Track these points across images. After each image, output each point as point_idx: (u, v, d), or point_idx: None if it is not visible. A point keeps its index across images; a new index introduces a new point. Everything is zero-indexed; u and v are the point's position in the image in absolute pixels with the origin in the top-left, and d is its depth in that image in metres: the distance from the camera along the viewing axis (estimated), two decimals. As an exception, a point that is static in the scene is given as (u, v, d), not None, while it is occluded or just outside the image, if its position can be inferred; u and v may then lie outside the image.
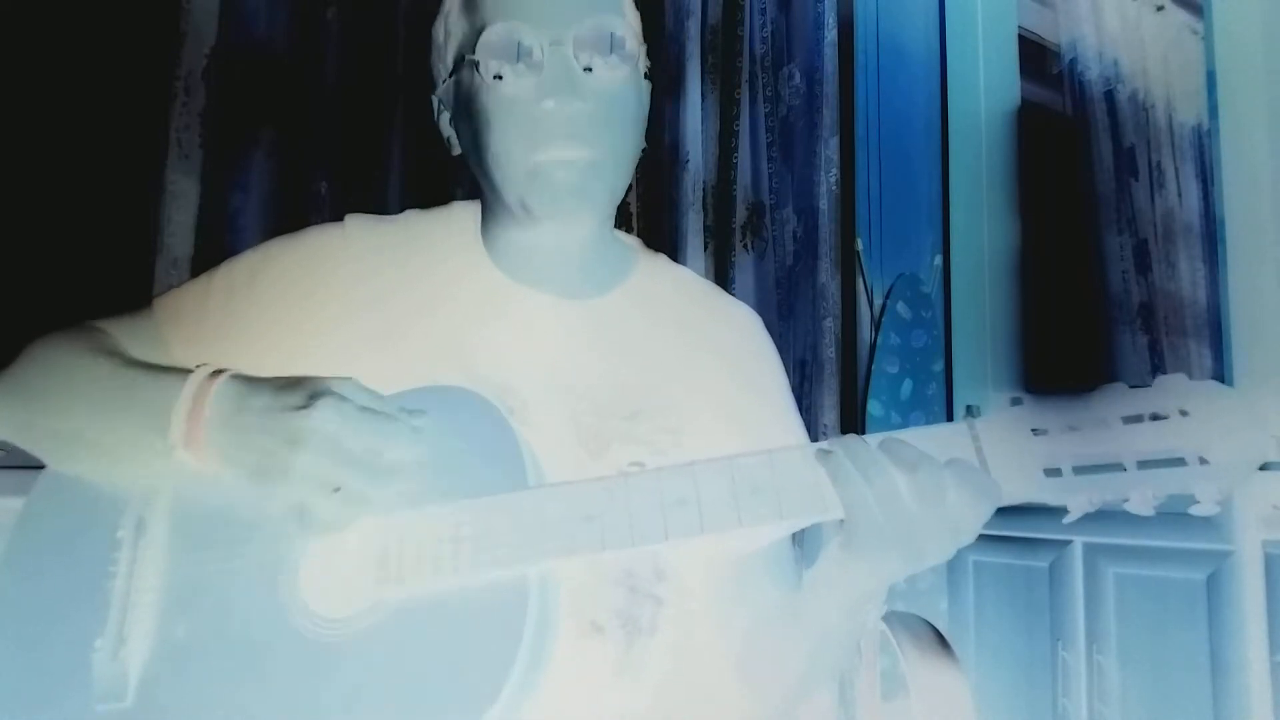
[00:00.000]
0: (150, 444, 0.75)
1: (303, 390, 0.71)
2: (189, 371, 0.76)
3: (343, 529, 0.71)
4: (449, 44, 0.87)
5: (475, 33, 0.81)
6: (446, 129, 0.90)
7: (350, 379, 0.73)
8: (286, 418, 0.70)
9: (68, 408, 0.81)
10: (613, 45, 0.81)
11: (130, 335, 0.87)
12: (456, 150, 0.89)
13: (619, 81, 0.82)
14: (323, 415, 0.69)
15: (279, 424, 0.70)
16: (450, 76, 0.86)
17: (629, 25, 0.84)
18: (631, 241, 0.97)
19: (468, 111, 0.83)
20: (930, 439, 0.69)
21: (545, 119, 0.79)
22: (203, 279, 0.90)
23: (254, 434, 0.71)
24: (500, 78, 0.80)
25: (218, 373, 0.75)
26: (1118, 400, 0.66)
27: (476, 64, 0.80)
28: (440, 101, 0.90)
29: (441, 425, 0.75)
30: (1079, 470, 0.66)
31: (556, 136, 0.79)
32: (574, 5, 0.80)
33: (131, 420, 0.77)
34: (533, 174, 0.80)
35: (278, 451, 0.69)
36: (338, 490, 0.69)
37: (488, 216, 0.90)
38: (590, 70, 0.80)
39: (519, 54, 0.79)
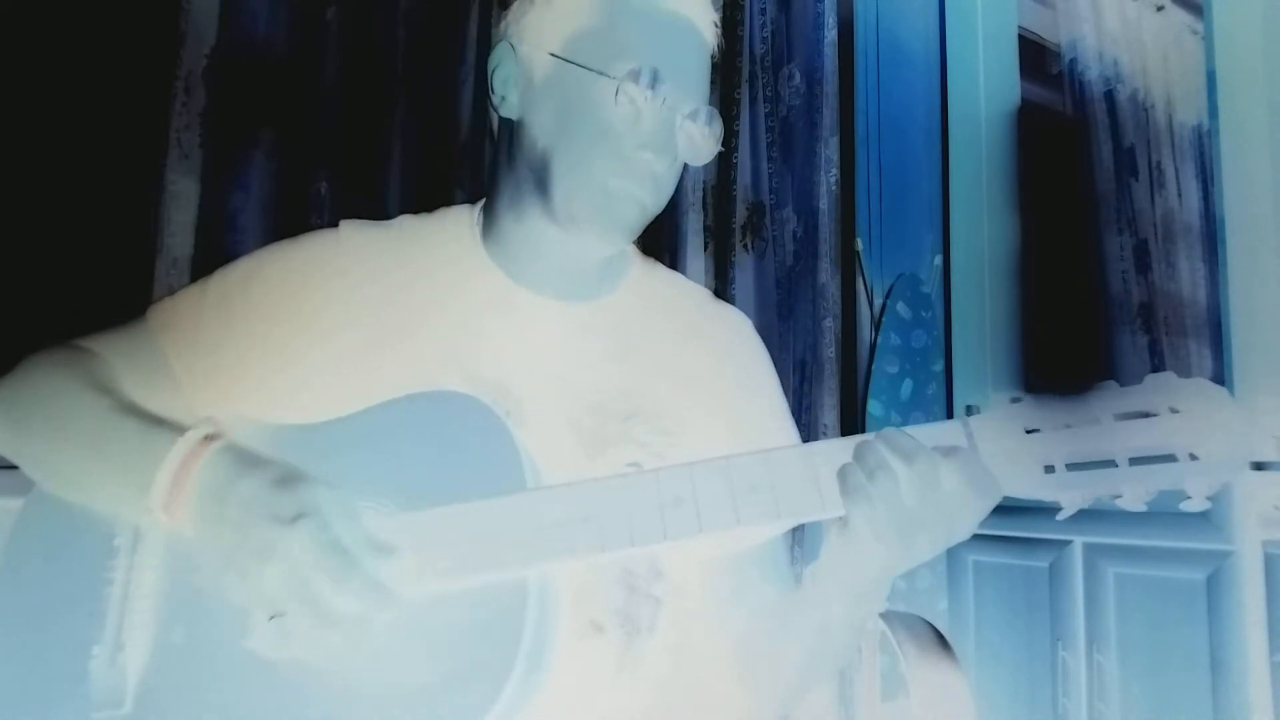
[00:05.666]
0: (131, 500, 0.73)
1: (291, 500, 0.68)
2: (181, 430, 0.74)
3: (269, 654, 0.69)
4: (569, 29, 0.83)
5: (614, 54, 0.81)
6: (504, 87, 0.87)
7: (342, 497, 0.70)
8: (265, 527, 0.67)
9: (55, 444, 0.80)
10: (710, 119, 0.85)
11: (125, 356, 0.86)
12: (504, 112, 0.87)
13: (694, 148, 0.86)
14: (298, 540, 0.66)
15: (255, 530, 0.67)
16: (554, 58, 0.83)
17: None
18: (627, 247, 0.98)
19: (567, 107, 0.82)
20: (925, 437, 0.69)
21: (638, 161, 0.82)
22: (197, 286, 0.89)
23: (229, 527, 0.69)
24: (618, 103, 0.81)
25: (210, 437, 0.73)
26: (1110, 398, 0.67)
27: (605, 76, 0.80)
28: (516, 61, 0.86)
29: (440, 430, 0.75)
30: (1072, 467, 0.67)
31: (641, 178, 0.83)
32: (700, 86, 0.86)
33: (115, 473, 0.76)
34: (604, 193, 0.82)
35: (245, 558, 0.68)
36: (274, 618, 0.67)
37: (494, 216, 0.89)
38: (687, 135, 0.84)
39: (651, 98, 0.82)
